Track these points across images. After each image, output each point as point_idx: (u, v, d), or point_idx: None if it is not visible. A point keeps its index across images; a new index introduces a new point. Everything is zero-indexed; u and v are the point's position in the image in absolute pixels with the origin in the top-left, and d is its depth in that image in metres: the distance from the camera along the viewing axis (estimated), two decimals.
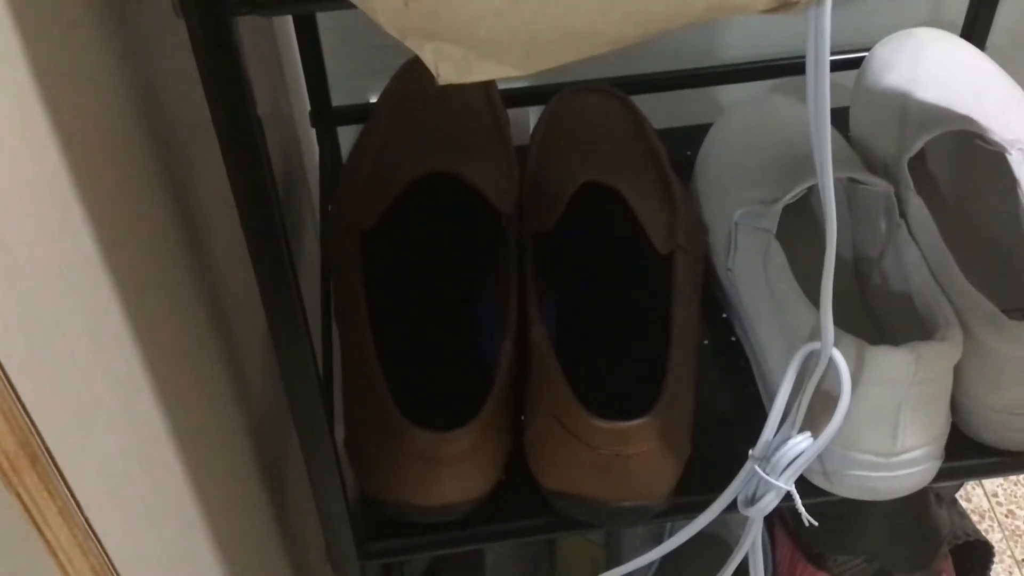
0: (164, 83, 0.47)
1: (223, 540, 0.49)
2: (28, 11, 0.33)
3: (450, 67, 0.34)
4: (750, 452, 0.53)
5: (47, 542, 0.29)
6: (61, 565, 0.30)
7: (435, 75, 0.34)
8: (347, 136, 0.75)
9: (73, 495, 0.31)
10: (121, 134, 0.41)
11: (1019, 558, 1.09)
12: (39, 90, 0.33)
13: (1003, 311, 0.56)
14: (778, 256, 0.59)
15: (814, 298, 0.49)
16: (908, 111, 0.66)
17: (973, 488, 1.13)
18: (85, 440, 0.33)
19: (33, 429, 0.29)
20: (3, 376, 0.28)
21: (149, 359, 0.41)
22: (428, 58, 0.34)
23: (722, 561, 0.59)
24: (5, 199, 0.30)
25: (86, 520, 0.32)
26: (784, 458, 0.52)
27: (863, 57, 0.73)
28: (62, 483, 0.30)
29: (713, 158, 0.70)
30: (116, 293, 0.38)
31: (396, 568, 0.84)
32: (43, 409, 0.30)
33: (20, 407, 0.28)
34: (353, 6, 0.33)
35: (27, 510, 0.28)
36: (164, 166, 0.45)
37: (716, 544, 0.82)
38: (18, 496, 0.28)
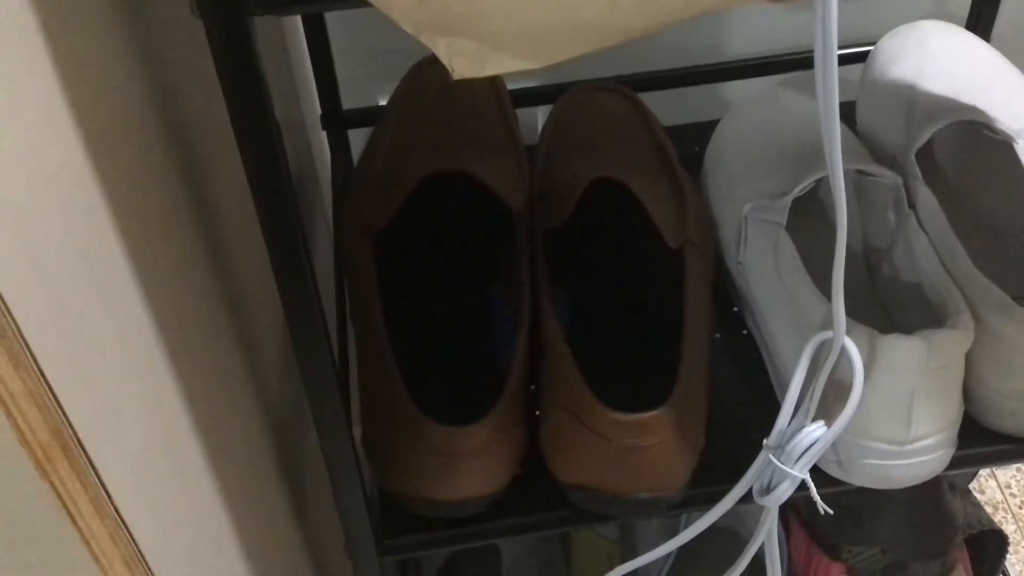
0: (184, 83, 0.48)
1: (245, 534, 0.50)
2: (51, 13, 0.33)
3: (464, 62, 0.35)
4: (764, 441, 0.53)
5: (80, 531, 0.30)
6: (93, 554, 0.31)
7: (449, 70, 0.35)
8: (358, 139, 0.76)
9: (104, 486, 0.31)
10: (142, 133, 0.42)
11: None
12: (64, 90, 0.34)
13: (1013, 298, 0.56)
14: (788, 248, 0.60)
15: (825, 290, 0.49)
16: (915, 103, 0.66)
17: (987, 480, 1.14)
18: (114, 432, 0.34)
19: (65, 420, 0.30)
20: (36, 368, 0.28)
21: (172, 355, 0.42)
22: (442, 53, 0.35)
23: (737, 556, 0.59)
24: (33, 195, 0.31)
25: (116, 510, 0.32)
26: (798, 447, 0.53)
27: (869, 51, 0.73)
28: (93, 474, 0.31)
29: (722, 153, 0.71)
30: (140, 290, 0.39)
31: (413, 566, 0.84)
32: (74, 401, 0.31)
33: (53, 398, 0.29)
34: (368, 5, 0.34)
35: (60, 499, 0.29)
36: (185, 164, 0.46)
37: (731, 539, 0.83)
38: (52, 485, 0.29)
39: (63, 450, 0.29)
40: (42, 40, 0.32)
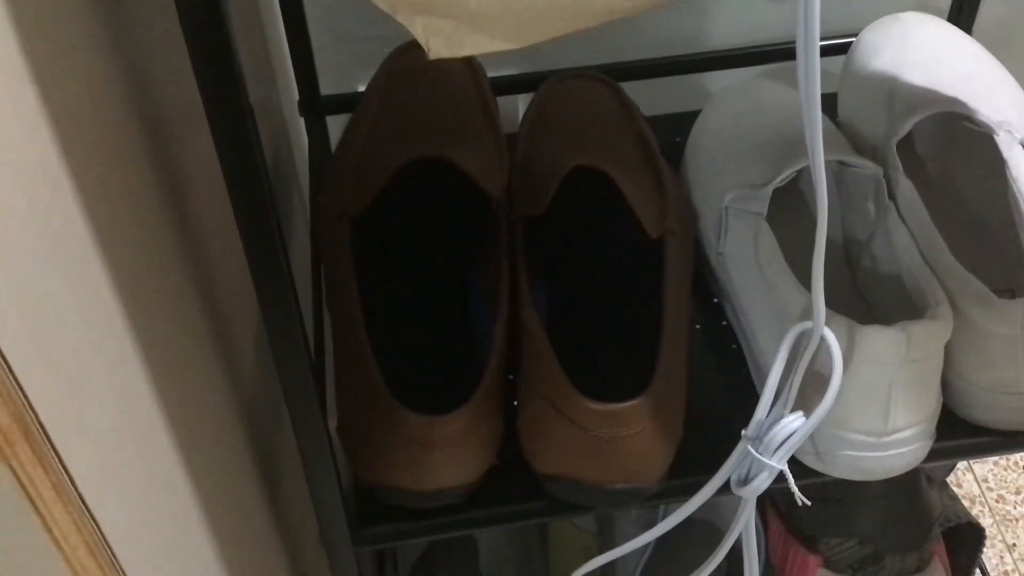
0: (155, 65, 0.47)
1: (216, 523, 0.49)
2: None
3: (441, 41, 0.34)
4: (743, 432, 0.53)
5: (42, 517, 0.29)
6: (55, 540, 0.30)
7: (426, 49, 0.34)
8: (336, 125, 0.75)
9: (67, 471, 0.31)
10: (112, 115, 0.41)
11: (1010, 542, 1.09)
12: (30, 69, 0.33)
13: (992, 290, 0.56)
14: (769, 238, 0.60)
15: (804, 281, 0.49)
16: (896, 94, 0.66)
17: (964, 474, 1.14)
18: (79, 417, 0.33)
19: (27, 403, 0.29)
20: None
21: (141, 340, 0.41)
22: (419, 32, 0.34)
23: (714, 548, 0.59)
24: None
25: (80, 496, 0.31)
26: (776, 437, 0.52)
27: (851, 43, 0.73)
28: (56, 459, 0.30)
29: (703, 143, 0.70)
30: (107, 273, 0.38)
31: (390, 558, 0.84)
32: (36, 385, 0.30)
33: (13, 381, 0.28)
34: None
35: (21, 484, 0.28)
36: (155, 147, 0.45)
37: (709, 531, 0.83)
38: (11, 469, 0.28)
39: (24, 434, 0.28)
40: (7, 16, 0.32)
